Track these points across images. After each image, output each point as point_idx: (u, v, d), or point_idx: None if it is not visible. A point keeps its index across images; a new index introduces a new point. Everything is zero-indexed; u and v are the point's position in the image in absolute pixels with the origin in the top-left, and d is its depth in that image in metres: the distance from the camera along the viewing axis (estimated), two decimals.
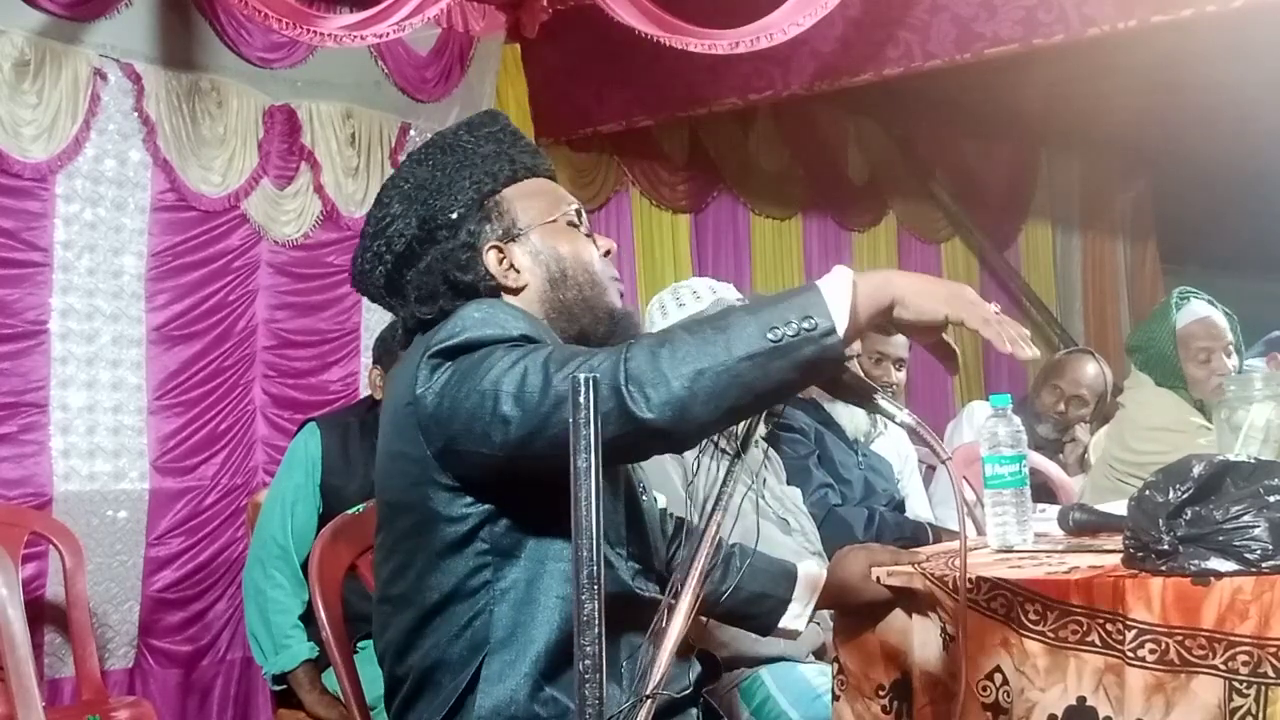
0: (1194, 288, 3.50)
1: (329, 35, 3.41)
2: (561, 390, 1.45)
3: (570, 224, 1.78)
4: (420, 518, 1.65)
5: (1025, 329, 1.51)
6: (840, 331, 1.42)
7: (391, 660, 1.73)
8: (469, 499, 1.62)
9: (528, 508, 1.62)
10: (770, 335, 1.41)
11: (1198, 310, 3.38)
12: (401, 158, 4.24)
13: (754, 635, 2.51)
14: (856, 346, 3.26)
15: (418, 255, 1.74)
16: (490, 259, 1.72)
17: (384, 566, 1.74)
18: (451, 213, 1.73)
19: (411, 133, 4.32)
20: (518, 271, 1.73)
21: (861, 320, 1.45)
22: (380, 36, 3.53)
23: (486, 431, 1.52)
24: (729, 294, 2.83)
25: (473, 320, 1.61)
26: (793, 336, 1.41)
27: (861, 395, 1.58)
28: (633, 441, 1.45)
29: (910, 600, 1.88)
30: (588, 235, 1.80)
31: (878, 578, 1.91)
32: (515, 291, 1.73)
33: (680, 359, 1.42)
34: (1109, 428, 3.74)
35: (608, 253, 1.80)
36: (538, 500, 1.59)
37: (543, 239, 1.75)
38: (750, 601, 1.96)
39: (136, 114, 3.64)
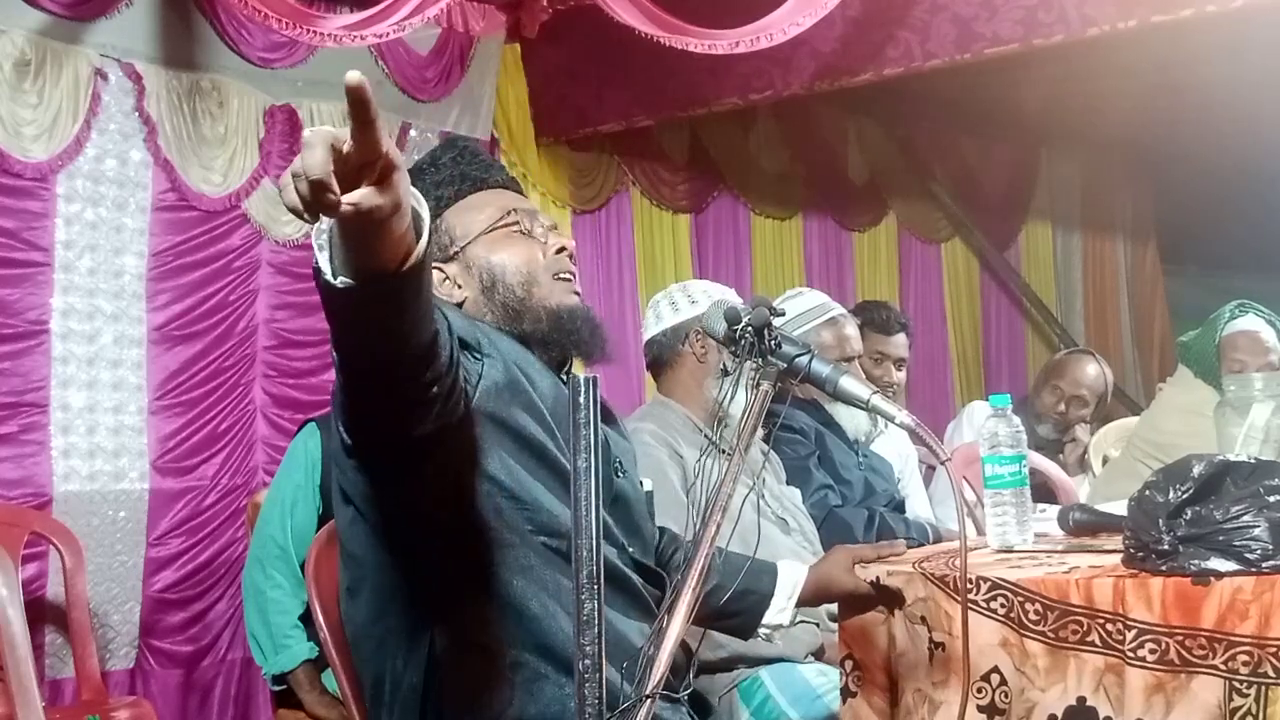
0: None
1: (329, 35, 3.41)
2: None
3: (510, 229, 1.84)
4: (352, 509, 1.71)
5: None
6: None
7: (358, 653, 1.78)
8: (370, 476, 1.64)
9: (418, 477, 1.64)
10: None
11: (1247, 323, 3.42)
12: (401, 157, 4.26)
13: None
14: (858, 347, 3.27)
15: None
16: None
17: (343, 571, 1.80)
18: None
19: (412, 132, 4.32)
20: (459, 287, 1.83)
21: None
22: (380, 36, 3.53)
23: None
24: (729, 298, 2.80)
25: None
26: None
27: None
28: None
29: (899, 609, 1.88)
30: (543, 234, 1.85)
31: (875, 578, 1.91)
32: (460, 305, 1.82)
33: None
34: (1143, 414, 3.72)
35: (561, 250, 1.85)
36: (427, 469, 1.63)
37: (478, 251, 1.83)
38: (734, 599, 1.96)
39: (137, 114, 3.64)
